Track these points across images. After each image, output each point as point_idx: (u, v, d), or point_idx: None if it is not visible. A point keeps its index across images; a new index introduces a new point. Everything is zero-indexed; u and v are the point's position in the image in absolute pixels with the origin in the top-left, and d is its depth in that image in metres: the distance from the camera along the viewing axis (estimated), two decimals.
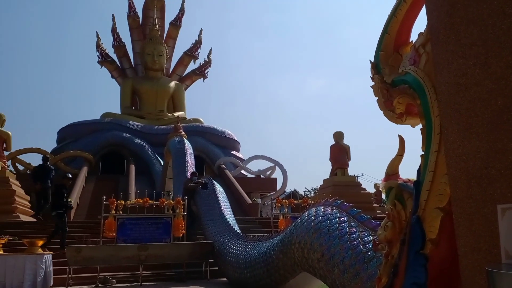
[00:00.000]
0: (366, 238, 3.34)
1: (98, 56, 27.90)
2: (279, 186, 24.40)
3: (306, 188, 54.95)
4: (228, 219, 8.63)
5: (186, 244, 8.38)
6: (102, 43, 28.08)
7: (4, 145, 13.95)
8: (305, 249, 4.04)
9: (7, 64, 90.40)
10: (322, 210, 4.15)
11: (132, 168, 21.44)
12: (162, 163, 22.26)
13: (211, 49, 30.62)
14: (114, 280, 7.99)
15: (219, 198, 9.73)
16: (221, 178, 21.55)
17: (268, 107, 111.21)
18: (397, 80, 2.58)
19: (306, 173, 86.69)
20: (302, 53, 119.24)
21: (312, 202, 10.66)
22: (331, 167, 16.99)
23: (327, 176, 17.50)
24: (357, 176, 20.97)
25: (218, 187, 10.41)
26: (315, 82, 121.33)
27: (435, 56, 1.92)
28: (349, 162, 17.03)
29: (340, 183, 16.29)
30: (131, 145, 23.75)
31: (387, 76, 2.66)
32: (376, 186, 21.41)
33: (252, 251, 6.00)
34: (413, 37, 2.48)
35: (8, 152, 14.93)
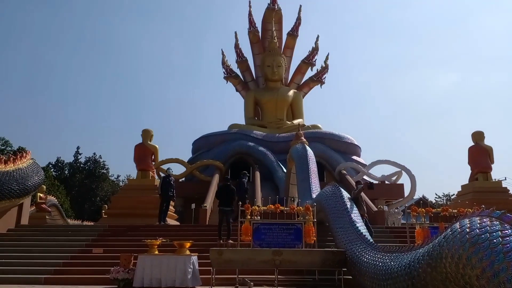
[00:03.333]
0: None
1: (224, 72, 30.12)
2: (406, 192, 22.98)
3: (436, 195, 50.54)
4: (359, 228, 8.43)
5: (318, 251, 8.44)
6: (227, 60, 30.27)
7: (153, 157, 16.03)
8: (460, 264, 3.73)
9: (153, 85, 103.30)
10: (478, 221, 3.78)
11: (257, 174, 22.47)
12: (284, 169, 22.87)
13: (328, 55, 30.51)
14: (251, 283, 8.46)
15: (347, 205, 9.56)
16: (343, 184, 21.15)
17: (391, 109, 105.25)
18: None
19: (436, 178, 79.68)
20: (429, 48, 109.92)
21: (455, 211, 9.79)
22: (470, 171, 15.35)
23: (465, 181, 15.87)
24: (501, 180, 18.50)
25: (345, 194, 10.25)
26: (446, 78, 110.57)
27: None
28: (492, 165, 15.17)
29: (482, 189, 14.59)
30: (255, 153, 24.95)
31: None
32: None
33: (392, 263, 5.75)
34: None
35: (154, 163, 17.07)
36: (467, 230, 3.81)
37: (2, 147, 39.42)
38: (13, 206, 12.91)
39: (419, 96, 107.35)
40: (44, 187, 21.43)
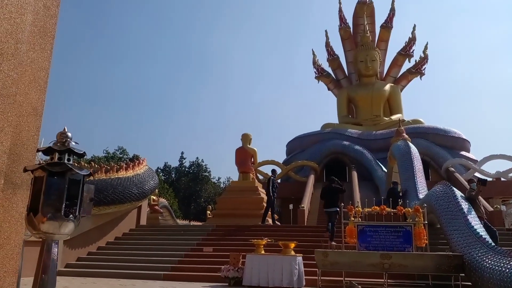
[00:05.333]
0: None
1: (315, 72, 30.03)
2: None
3: None
4: (477, 230, 7.76)
5: (431, 255, 7.94)
6: (317, 59, 30.13)
7: (252, 160, 16.64)
8: None
9: (246, 89, 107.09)
10: None
11: (355, 174, 21.90)
12: (383, 168, 21.93)
13: (427, 44, 28.64)
14: (359, 286, 8.29)
15: (462, 206, 8.85)
16: (450, 182, 19.50)
17: (504, 99, 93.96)
18: None
19: None
20: None
21: None
22: None
23: None
24: None
25: (459, 194, 9.49)
26: None
27: None
28: None
29: None
30: (351, 152, 24.37)
31: None
32: None
33: None
34: None
35: (253, 165, 17.67)
36: None
37: (121, 155, 44.29)
38: (133, 208, 14.44)
39: None
40: (157, 190, 23.50)
